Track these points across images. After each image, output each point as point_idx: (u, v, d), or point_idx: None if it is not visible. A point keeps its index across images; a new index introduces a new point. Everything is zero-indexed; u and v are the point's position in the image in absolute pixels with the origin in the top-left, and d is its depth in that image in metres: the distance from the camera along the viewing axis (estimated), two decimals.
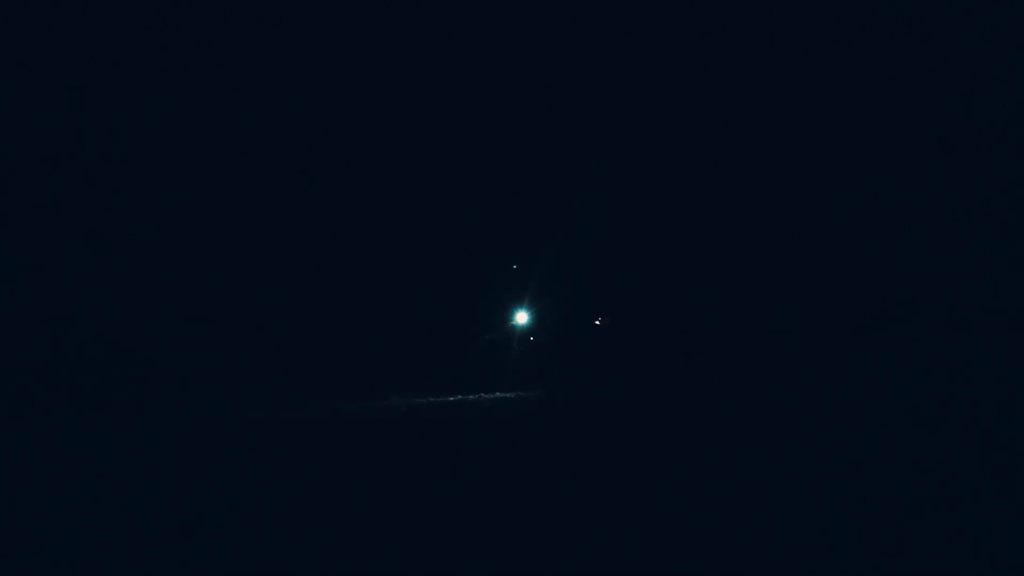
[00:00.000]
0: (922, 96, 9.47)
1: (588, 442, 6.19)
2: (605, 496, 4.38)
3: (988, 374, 8.03)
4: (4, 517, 4.41)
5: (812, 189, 9.99)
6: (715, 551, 3.60)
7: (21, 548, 3.89)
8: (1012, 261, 9.10)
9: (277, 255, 9.38)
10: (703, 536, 3.77)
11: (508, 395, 8.77)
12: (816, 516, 4.09)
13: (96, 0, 8.38)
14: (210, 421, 7.20)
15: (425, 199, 9.95)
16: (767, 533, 3.80)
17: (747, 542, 3.74)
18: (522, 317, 10.27)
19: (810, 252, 10.06)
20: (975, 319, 8.97)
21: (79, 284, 8.55)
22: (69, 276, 8.52)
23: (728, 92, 9.89)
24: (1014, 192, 9.22)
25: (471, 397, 8.51)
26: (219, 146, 9.14)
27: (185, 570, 3.60)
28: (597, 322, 10.44)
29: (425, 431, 6.71)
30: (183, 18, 8.70)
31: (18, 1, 8.17)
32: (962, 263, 9.29)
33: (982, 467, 5.01)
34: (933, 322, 9.17)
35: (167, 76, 8.83)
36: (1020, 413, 6.59)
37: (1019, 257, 9.10)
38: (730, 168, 10.19)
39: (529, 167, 10.15)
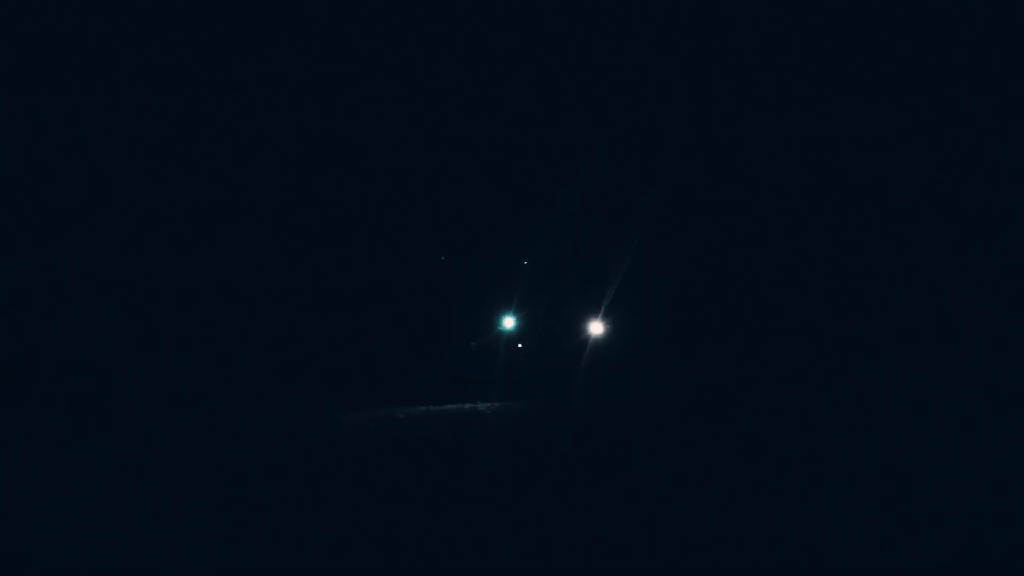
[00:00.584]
0: (922, 96, 9.47)
1: (583, 454, 6.00)
2: (601, 511, 4.29)
3: (988, 374, 8.02)
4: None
5: (815, 191, 9.97)
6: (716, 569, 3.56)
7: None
8: (1012, 261, 9.09)
9: (254, 265, 9.26)
10: (707, 555, 3.71)
11: (496, 405, 8.53)
12: (824, 529, 4.06)
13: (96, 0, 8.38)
14: (198, 429, 7.17)
15: (410, 201, 9.80)
16: (773, 556, 3.74)
17: (751, 561, 3.71)
18: (510, 323, 9.93)
19: (816, 255, 9.99)
20: (975, 319, 8.96)
21: (72, 286, 8.53)
22: (61, 278, 8.50)
23: (729, 93, 9.88)
24: (1014, 192, 9.21)
25: (459, 407, 8.29)
26: (212, 150, 9.12)
27: None
28: (596, 329, 10.18)
29: (413, 442, 6.50)
30: (183, 18, 8.70)
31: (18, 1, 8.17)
32: (962, 263, 9.29)
33: (982, 468, 5.00)
34: (934, 324, 9.15)
35: (167, 76, 8.83)
36: (1020, 413, 6.58)
37: (1019, 257, 9.09)
38: (732, 170, 10.16)
39: (521, 167, 10.03)
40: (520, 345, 9.95)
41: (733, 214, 10.16)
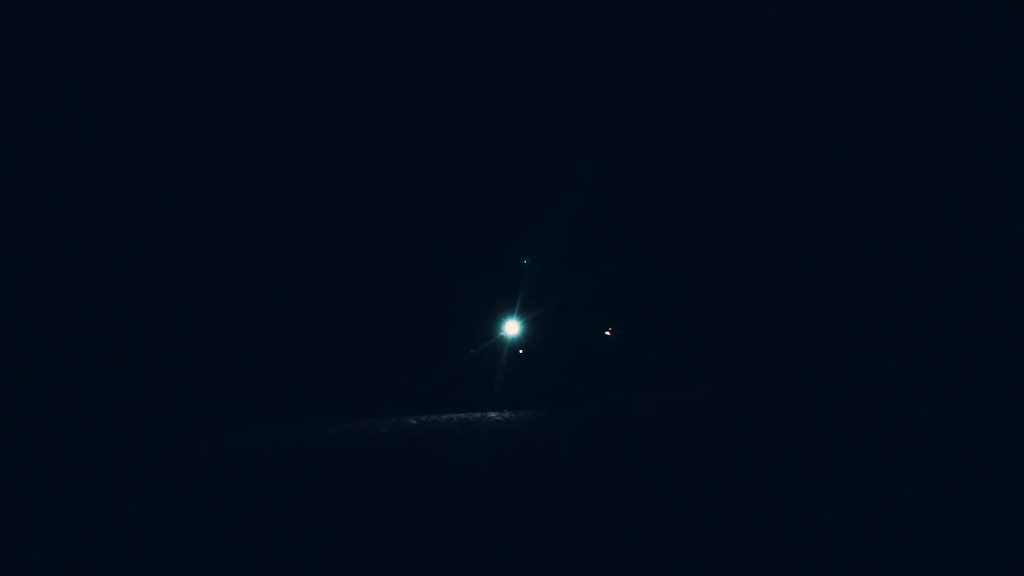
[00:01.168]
0: (922, 96, 9.47)
1: (587, 467, 5.87)
2: (607, 527, 4.23)
3: (988, 374, 8.02)
4: None
5: (816, 190, 9.96)
6: None
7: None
8: (1013, 261, 9.09)
9: (255, 267, 9.21)
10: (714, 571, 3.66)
11: (508, 414, 8.31)
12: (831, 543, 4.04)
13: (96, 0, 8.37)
14: (200, 435, 7.14)
15: (406, 203, 9.72)
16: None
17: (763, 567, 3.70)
18: (512, 328, 9.63)
19: (819, 254, 9.94)
20: (975, 319, 8.96)
21: (70, 286, 8.51)
22: (60, 278, 8.48)
23: (729, 93, 9.87)
24: (1014, 192, 9.22)
25: (458, 417, 8.10)
26: (212, 151, 9.11)
27: None
28: (608, 333, 10.00)
29: (409, 453, 6.34)
30: (183, 18, 8.69)
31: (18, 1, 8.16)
32: (962, 263, 9.29)
33: (982, 468, 5.00)
34: (936, 328, 9.15)
35: (167, 76, 8.82)
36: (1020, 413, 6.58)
37: (1019, 257, 9.10)
38: (735, 170, 10.15)
39: (520, 167, 9.97)
40: (521, 352, 9.78)
41: (738, 217, 10.12)
